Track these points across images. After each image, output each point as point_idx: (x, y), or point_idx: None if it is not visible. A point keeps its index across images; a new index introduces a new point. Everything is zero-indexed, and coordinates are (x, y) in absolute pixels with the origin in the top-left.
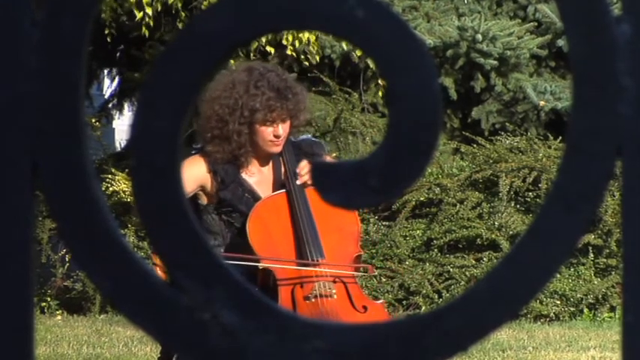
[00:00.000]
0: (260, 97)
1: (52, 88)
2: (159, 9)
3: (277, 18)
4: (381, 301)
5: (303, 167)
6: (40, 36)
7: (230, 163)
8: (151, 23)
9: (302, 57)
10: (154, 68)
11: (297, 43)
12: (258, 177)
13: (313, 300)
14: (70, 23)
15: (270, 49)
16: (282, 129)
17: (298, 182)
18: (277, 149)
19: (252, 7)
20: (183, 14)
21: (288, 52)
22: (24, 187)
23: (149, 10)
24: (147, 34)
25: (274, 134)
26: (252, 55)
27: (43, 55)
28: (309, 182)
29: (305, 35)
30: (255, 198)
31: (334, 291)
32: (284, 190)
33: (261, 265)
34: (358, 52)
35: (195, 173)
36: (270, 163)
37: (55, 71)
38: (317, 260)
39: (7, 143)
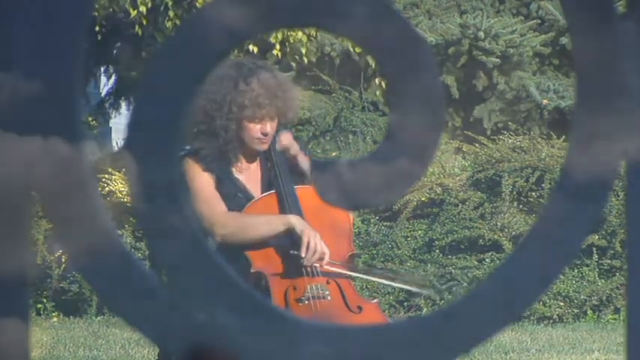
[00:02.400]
0: (249, 93)
1: (48, 86)
2: (149, 5)
3: (287, 15)
4: (375, 300)
5: (284, 138)
6: (36, 33)
7: (220, 161)
8: (145, 22)
9: (292, 57)
10: (153, 62)
11: (290, 41)
12: (246, 175)
13: (306, 302)
14: (68, 20)
15: (254, 47)
16: (270, 127)
17: (283, 144)
18: (264, 147)
19: (257, 4)
20: (172, 13)
21: (275, 52)
22: (20, 187)
23: (143, 9)
24: (140, 32)
25: (262, 132)
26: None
27: (40, 53)
28: (296, 150)
29: (297, 34)
30: (248, 197)
31: (327, 292)
32: (274, 191)
33: (253, 268)
34: (357, 50)
35: (204, 186)
36: (258, 161)
37: (52, 70)
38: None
39: (3, 141)
